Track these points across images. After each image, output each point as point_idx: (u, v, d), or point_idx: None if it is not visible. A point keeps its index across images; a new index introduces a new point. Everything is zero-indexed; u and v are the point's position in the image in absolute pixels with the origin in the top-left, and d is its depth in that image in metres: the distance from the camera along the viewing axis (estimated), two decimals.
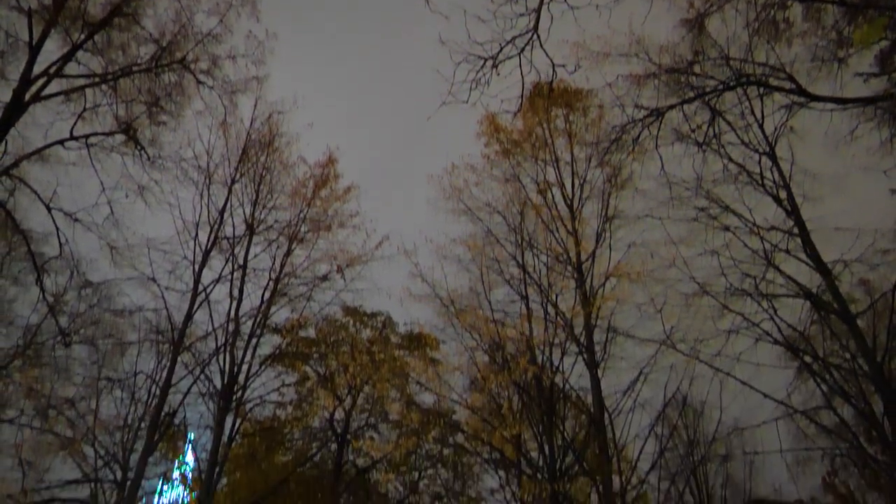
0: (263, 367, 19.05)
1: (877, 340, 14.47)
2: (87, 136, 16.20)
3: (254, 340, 18.59)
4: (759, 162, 16.42)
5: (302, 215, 20.94)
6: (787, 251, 14.90)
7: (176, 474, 22.07)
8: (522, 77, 9.18)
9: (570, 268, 18.34)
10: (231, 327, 17.78)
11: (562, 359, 19.08)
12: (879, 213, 15.71)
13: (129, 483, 15.32)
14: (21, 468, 14.75)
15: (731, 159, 16.47)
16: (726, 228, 15.51)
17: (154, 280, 17.45)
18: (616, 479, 17.80)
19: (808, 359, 14.02)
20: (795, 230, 15.20)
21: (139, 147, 16.66)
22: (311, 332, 24.72)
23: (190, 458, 20.69)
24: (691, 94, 13.85)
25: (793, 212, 15.59)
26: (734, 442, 23.51)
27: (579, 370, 18.42)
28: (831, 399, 13.99)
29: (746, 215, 15.72)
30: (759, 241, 15.14)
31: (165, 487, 20.58)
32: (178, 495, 20.29)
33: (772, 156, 16.32)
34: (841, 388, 13.45)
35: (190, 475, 18.71)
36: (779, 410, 14.33)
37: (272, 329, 21.01)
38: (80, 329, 18.67)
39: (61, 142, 15.97)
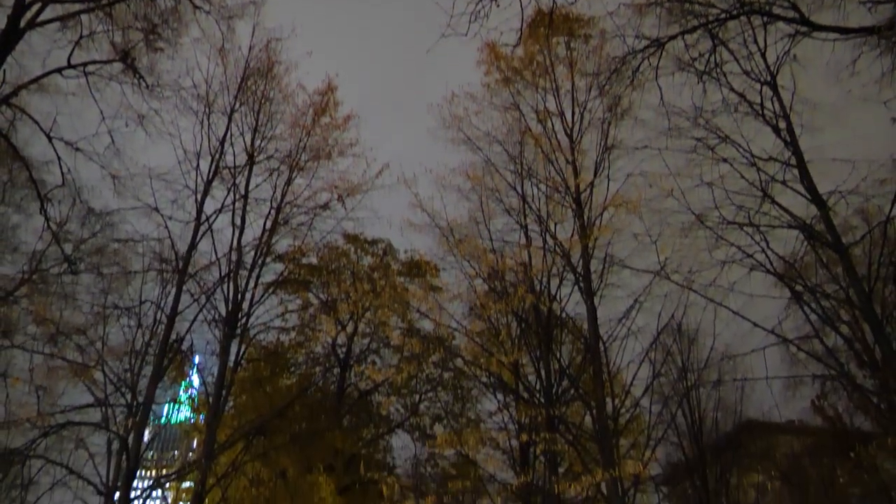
0: (266, 295, 19.41)
1: (871, 269, 14.75)
2: (84, 65, 16.11)
3: (257, 269, 18.89)
4: (760, 91, 16.35)
5: (302, 144, 20.96)
6: (784, 182, 15.00)
7: (183, 398, 22.73)
8: (522, 8, 9.13)
9: (568, 198, 18.48)
10: (234, 256, 18.04)
11: (559, 287, 19.44)
12: (878, 144, 15.75)
13: (139, 407, 15.85)
14: (36, 393, 15.24)
15: (731, 89, 16.40)
16: (724, 160, 15.57)
17: (157, 210, 17.63)
18: (610, 403, 18.37)
19: (799, 288, 14.29)
20: (793, 161, 15.27)
21: (137, 75, 16.58)
22: (313, 260, 25.03)
23: (196, 381, 21.28)
24: (694, 23, 13.73)
25: (791, 142, 15.62)
26: (726, 368, 24.14)
27: (576, 298, 18.79)
28: (820, 329, 14.34)
29: (744, 146, 15.76)
30: (755, 173, 15.23)
31: (173, 410, 21.26)
32: (186, 418, 20.97)
33: (773, 85, 16.24)
34: (828, 317, 13.78)
35: (197, 399, 19.29)
36: (770, 338, 14.72)
37: (275, 257, 21.28)
38: (85, 257, 18.94)
39: (59, 70, 15.90)
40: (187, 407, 21.62)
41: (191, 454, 31.33)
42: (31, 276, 19.96)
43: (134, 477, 14.72)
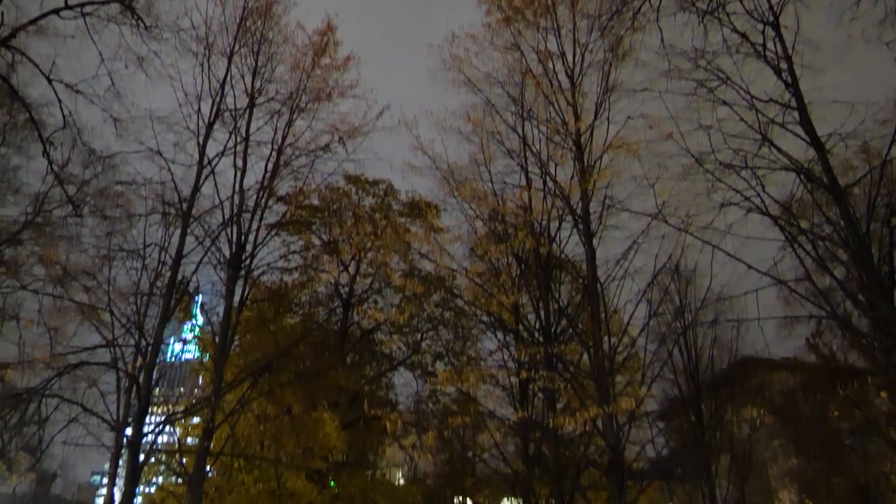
0: (269, 237, 19.61)
1: (869, 210, 14.91)
2: (82, 6, 15.98)
3: (259, 210, 19.06)
4: (763, 32, 16.20)
5: (302, 85, 20.87)
6: (783, 125, 15.03)
7: (190, 337, 23.17)
8: None
9: (568, 140, 18.52)
10: (237, 199, 18.20)
11: (559, 229, 19.66)
12: (879, 85, 15.72)
13: (148, 347, 16.25)
14: (48, 334, 15.59)
15: (733, 29, 16.25)
16: (724, 103, 15.55)
17: (159, 153, 17.70)
18: (607, 342, 18.77)
19: (794, 231, 14.47)
20: (793, 103, 15.25)
21: (136, 17, 16.45)
22: (315, 201, 25.17)
23: (200, 320, 21.65)
24: None
25: (792, 84, 15.57)
26: (722, 308, 24.47)
27: (575, 240, 19.02)
28: (814, 271, 14.57)
29: (744, 88, 15.70)
30: (755, 116, 15.23)
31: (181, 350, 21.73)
32: (193, 356, 21.44)
33: (775, 26, 16.09)
34: (822, 259, 14.01)
35: (203, 339, 19.69)
36: (766, 280, 14.96)
37: (277, 198, 21.41)
38: (89, 199, 19.09)
39: (57, 11, 15.78)
40: (194, 346, 22.06)
41: (196, 391, 32.11)
42: (34, 218, 20.16)
43: (145, 414, 15.20)
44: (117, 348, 16.85)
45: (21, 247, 20.29)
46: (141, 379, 15.83)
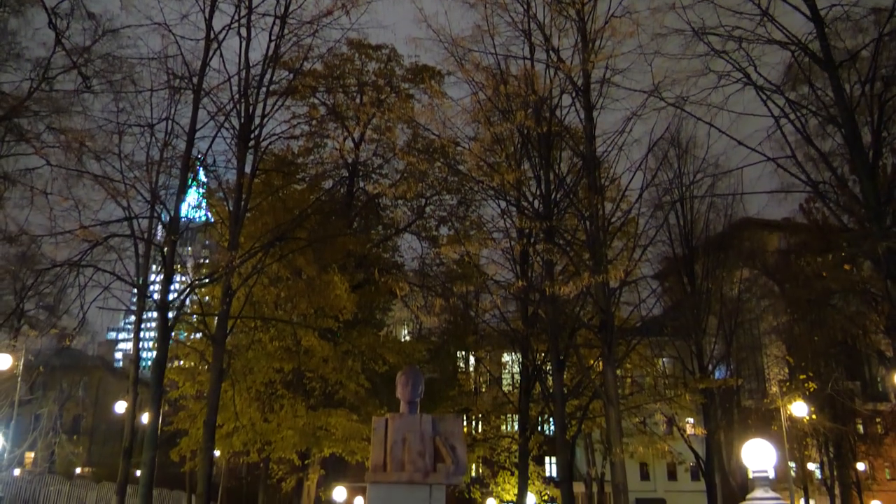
0: (277, 107, 19.91)
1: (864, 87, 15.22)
2: None
3: (266, 81, 19.29)
4: None
5: None
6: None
7: (200, 202, 23.99)
8: None
9: (571, 10, 18.50)
10: (244, 72, 18.39)
11: (560, 99, 19.97)
12: None
13: (159, 214, 17.08)
14: (76, 208, 16.32)
15: None
16: None
17: (167, 26, 17.72)
18: (602, 210, 19.56)
19: (784, 106, 14.84)
20: None
21: None
22: (319, 67, 25.20)
23: (213, 185, 22.25)
24: None
25: None
26: (719, 175, 25.06)
27: (576, 113, 19.42)
28: (794, 148, 15.07)
29: None
30: None
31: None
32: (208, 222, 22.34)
33: None
34: (808, 135, 14.50)
35: (217, 206, 20.44)
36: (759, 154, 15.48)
37: (281, 65, 21.48)
38: (97, 70, 19.25)
39: None
40: (207, 212, 22.90)
41: (205, 256, 33.35)
42: (40, 84, 20.42)
43: (171, 282, 16.30)
44: (133, 220, 17.63)
45: (34, 118, 20.64)
46: (165, 249, 16.77)
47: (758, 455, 9.84)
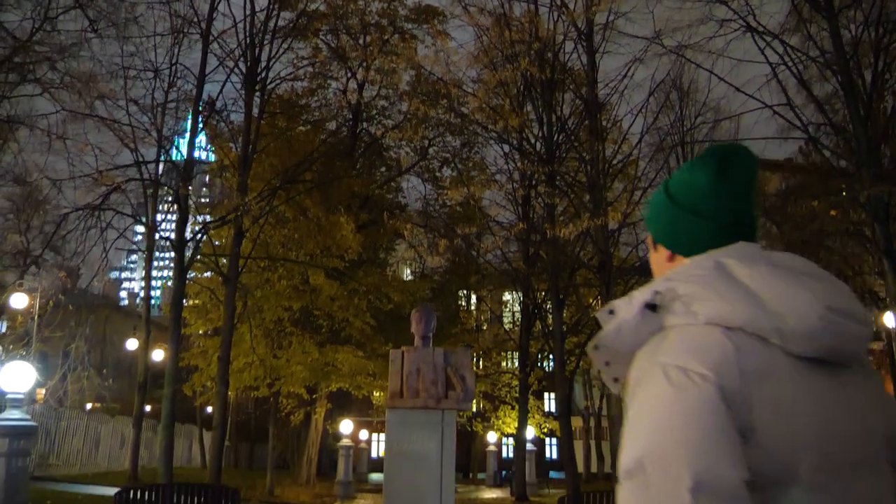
0: (282, 50, 20.09)
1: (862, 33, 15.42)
2: None
3: (271, 23, 19.45)
4: None
5: None
6: None
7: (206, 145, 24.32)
8: None
9: None
10: (250, 16, 18.56)
11: (563, 43, 20.14)
12: None
13: (166, 155, 17.49)
14: (93, 152, 16.69)
15: None
16: None
17: None
18: (608, 149, 19.95)
19: (782, 52, 15.10)
20: None
21: None
22: (322, 7, 25.19)
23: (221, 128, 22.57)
24: None
25: None
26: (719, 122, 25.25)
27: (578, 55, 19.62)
28: (794, 92, 15.40)
29: None
30: None
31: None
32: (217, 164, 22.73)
33: None
34: (804, 82, 14.79)
35: (224, 149, 20.77)
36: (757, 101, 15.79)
37: (286, 6, 21.52)
38: (102, 12, 19.35)
39: None
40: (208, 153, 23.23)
41: (203, 196, 33.76)
42: (42, 25, 20.56)
43: (186, 223, 16.85)
44: (142, 165, 18.05)
45: (38, 60, 20.80)
46: (180, 192, 17.24)
47: None
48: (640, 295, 1.32)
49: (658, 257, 1.48)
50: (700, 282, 1.24)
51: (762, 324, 1.17)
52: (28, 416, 10.51)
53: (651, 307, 1.29)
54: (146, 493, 11.48)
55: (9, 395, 10.41)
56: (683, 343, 1.19)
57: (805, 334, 1.16)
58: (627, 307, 1.32)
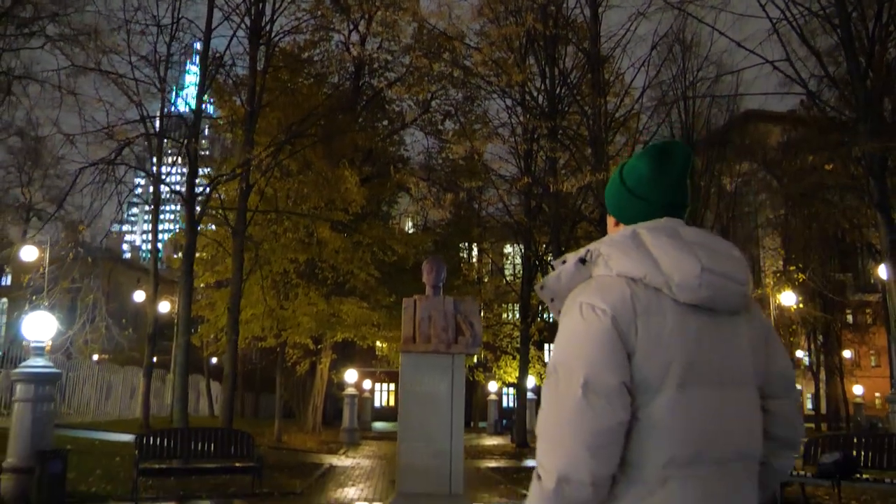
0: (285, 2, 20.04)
1: None
2: None
3: None
4: None
5: None
6: None
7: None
8: None
9: None
10: None
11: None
12: None
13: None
14: (104, 107, 16.85)
15: None
16: None
17: None
18: (610, 102, 20.09)
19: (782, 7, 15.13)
20: None
21: None
22: None
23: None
24: None
25: None
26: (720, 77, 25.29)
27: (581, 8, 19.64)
28: (795, 46, 15.45)
29: None
30: None
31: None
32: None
33: None
34: (804, 36, 14.84)
35: (230, 103, 20.86)
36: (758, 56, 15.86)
37: None
38: None
39: None
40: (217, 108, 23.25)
41: (204, 148, 33.86)
42: None
43: (196, 176, 17.09)
44: (147, 120, 18.26)
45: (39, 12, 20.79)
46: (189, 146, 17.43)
47: None
48: (576, 253, 1.80)
49: (610, 223, 1.93)
50: (616, 245, 1.70)
51: (656, 278, 1.61)
52: (51, 364, 10.97)
53: (582, 261, 1.75)
54: (165, 438, 12.03)
55: (32, 344, 10.85)
56: (596, 287, 1.66)
57: (686, 288, 1.59)
58: (570, 260, 1.79)
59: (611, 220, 1.92)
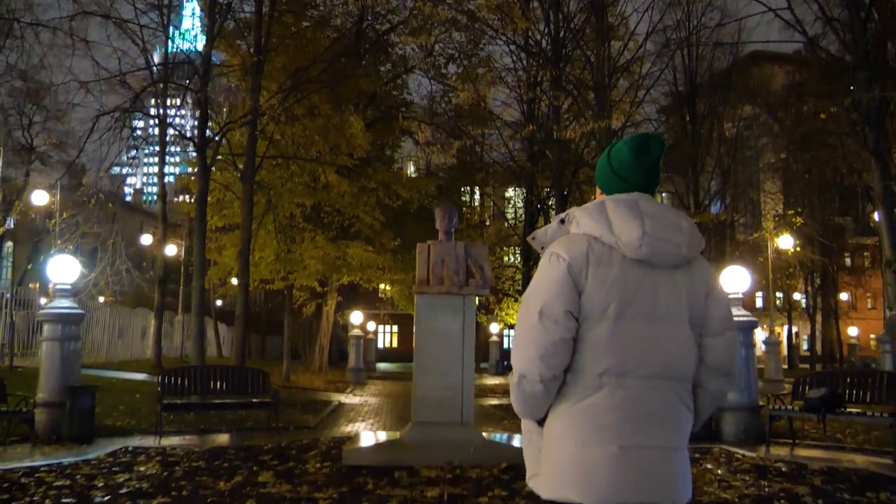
0: None
1: None
2: None
3: None
4: None
5: None
6: None
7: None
8: None
9: None
10: None
11: None
12: None
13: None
14: (116, 56, 16.97)
15: None
16: None
17: None
18: (614, 46, 20.17)
19: None
20: None
21: None
22: None
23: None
24: None
25: None
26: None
27: None
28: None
29: None
30: None
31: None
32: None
33: None
34: None
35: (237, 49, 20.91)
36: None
37: None
38: None
39: None
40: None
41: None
42: None
43: (206, 122, 17.35)
44: (153, 68, 18.40)
45: None
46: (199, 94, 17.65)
47: (734, 279, 11.52)
48: (560, 215, 2.31)
49: (597, 192, 2.39)
50: (586, 211, 2.18)
51: (609, 238, 2.11)
52: (75, 305, 11.46)
53: (562, 221, 2.25)
54: (183, 376, 12.58)
55: (57, 286, 11.33)
56: (564, 241, 2.16)
57: (629, 246, 2.08)
58: (554, 220, 2.30)
59: (597, 191, 2.37)
